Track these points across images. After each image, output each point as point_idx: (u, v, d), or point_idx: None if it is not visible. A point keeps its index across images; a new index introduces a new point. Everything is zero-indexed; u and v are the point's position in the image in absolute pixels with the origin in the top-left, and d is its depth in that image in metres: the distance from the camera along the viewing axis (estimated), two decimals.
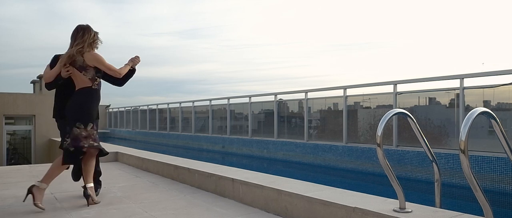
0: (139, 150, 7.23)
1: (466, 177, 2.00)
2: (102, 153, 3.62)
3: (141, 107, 28.17)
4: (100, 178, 4.05)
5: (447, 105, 9.97)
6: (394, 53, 53.89)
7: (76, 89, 3.51)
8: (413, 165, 9.37)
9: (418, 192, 8.26)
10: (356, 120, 12.08)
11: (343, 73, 54.98)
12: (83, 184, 3.57)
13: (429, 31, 48.54)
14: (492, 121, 2.21)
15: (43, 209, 3.29)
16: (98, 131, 3.67)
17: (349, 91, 12.00)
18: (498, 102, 9.08)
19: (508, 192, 7.53)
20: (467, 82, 8.86)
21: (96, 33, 3.64)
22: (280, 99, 15.32)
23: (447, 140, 9.59)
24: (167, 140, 23.02)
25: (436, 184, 2.75)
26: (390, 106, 10.50)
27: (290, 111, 15.28)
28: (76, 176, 3.99)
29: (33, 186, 3.36)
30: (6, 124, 13.49)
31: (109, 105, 33.52)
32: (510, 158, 2.35)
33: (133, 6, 70.23)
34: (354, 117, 12.11)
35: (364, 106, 12.40)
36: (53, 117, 3.73)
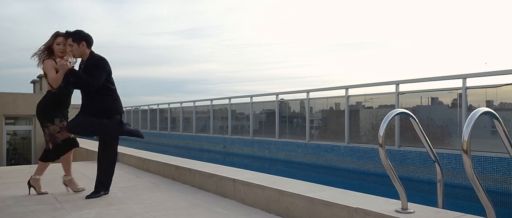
0: (140, 150, 7.22)
1: (468, 177, 1.99)
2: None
3: (141, 107, 28.18)
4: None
5: (450, 105, 9.94)
6: (396, 52, 53.85)
7: None
8: (416, 165, 9.34)
9: (420, 192, 8.23)
10: (358, 120, 12.05)
11: (345, 73, 54.95)
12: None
13: (431, 30, 48.49)
14: (495, 121, 2.20)
15: (47, 193, 3.88)
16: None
17: (351, 91, 11.97)
18: (501, 102, 9.05)
19: (511, 192, 7.50)
20: (470, 82, 8.82)
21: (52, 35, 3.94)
22: (282, 99, 15.30)
23: (449, 140, 9.56)
24: (168, 140, 23.01)
25: (438, 184, 2.73)
26: (392, 106, 10.47)
27: (291, 111, 15.26)
28: None
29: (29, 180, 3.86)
30: (6, 124, 13.49)
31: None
32: None
33: (134, 5, 70.34)
34: (356, 117, 12.09)
35: (366, 106, 12.37)
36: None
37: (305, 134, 13.27)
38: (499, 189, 7.70)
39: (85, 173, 5.14)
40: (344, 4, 58.77)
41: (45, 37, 3.90)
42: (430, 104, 10.79)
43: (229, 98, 18.25)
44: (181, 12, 67.54)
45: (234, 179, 3.70)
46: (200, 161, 5.27)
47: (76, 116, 3.82)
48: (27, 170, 5.81)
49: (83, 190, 4.01)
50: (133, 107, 29.72)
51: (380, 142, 2.34)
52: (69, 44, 3.76)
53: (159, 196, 3.96)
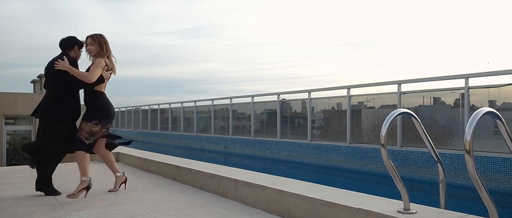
0: (141, 150, 7.20)
1: (471, 177, 1.98)
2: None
3: (142, 107, 28.20)
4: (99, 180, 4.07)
5: (452, 105, 9.92)
6: (399, 52, 53.74)
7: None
8: (418, 165, 9.31)
9: (422, 193, 8.20)
10: (360, 120, 12.03)
11: (347, 72, 54.85)
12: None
13: (433, 30, 48.40)
14: (498, 121, 2.18)
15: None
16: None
17: (353, 91, 11.95)
18: (503, 102, 9.02)
19: None
20: (472, 82, 8.80)
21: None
22: (283, 99, 15.29)
23: (452, 140, 9.53)
24: (168, 140, 23.02)
25: (440, 184, 2.72)
26: (394, 106, 10.45)
27: (293, 111, 15.25)
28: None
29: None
30: (6, 124, 13.46)
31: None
32: None
33: (134, 5, 70.38)
34: (358, 117, 12.07)
35: (368, 106, 12.35)
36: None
37: (307, 134, 13.25)
38: (501, 189, 7.67)
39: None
40: (346, 4, 58.74)
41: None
42: (432, 104, 10.77)
43: (230, 98, 18.25)
44: (182, 11, 67.61)
45: (235, 179, 3.68)
46: (201, 161, 5.26)
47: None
48: (27, 171, 5.78)
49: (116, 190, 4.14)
50: (134, 107, 29.75)
51: (382, 142, 2.33)
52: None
53: (159, 196, 3.94)
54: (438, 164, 2.69)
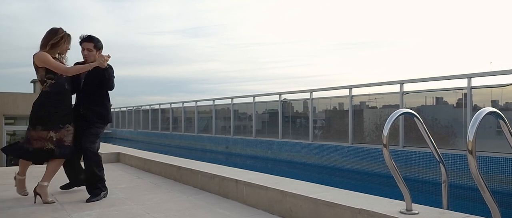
0: (141, 151, 7.20)
1: (473, 178, 1.98)
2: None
3: (143, 107, 28.21)
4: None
5: (455, 105, 9.88)
6: (401, 52, 53.70)
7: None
8: (420, 165, 9.28)
9: (425, 193, 8.18)
10: (362, 120, 12.00)
11: (349, 72, 54.79)
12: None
13: (436, 30, 48.29)
14: (500, 121, 2.17)
15: (54, 202, 3.57)
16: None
17: (355, 91, 11.93)
18: (506, 102, 8.98)
19: None
20: (475, 81, 8.77)
21: (66, 35, 3.72)
22: (285, 99, 15.27)
23: (454, 140, 9.50)
24: (169, 140, 23.03)
25: (443, 185, 2.71)
26: (397, 106, 10.41)
27: (294, 111, 15.23)
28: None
29: (36, 187, 3.58)
30: (6, 124, 13.44)
31: (111, 105, 33.67)
32: None
33: (135, 4, 70.46)
34: (360, 117, 12.04)
35: (370, 106, 12.32)
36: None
37: (308, 134, 13.23)
38: (504, 190, 7.63)
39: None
40: (347, 3, 58.66)
41: None
42: (434, 104, 10.73)
43: (232, 98, 18.24)
44: (182, 10, 67.66)
45: (236, 179, 3.67)
46: (202, 161, 5.24)
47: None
48: (28, 171, 5.79)
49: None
50: (134, 107, 29.77)
51: (384, 142, 2.33)
52: (88, 49, 3.80)
53: (160, 197, 3.93)
54: (441, 164, 2.68)
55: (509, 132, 2.20)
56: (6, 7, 57.92)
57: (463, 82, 9.00)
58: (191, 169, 4.50)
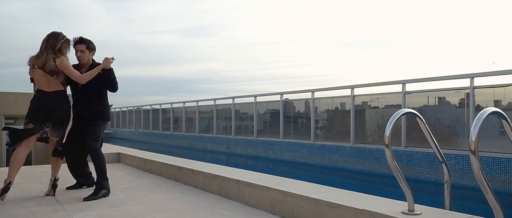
0: (142, 151, 7.19)
1: (476, 178, 1.97)
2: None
3: (143, 107, 28.23)
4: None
5: (457, 105, 9.85)
6: (403, 52, 53.58)
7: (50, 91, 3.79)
8: (422, 166, 9.25)
9: (427, 193, 8.15)
10: (363, 120, 11.97)
11: (351, 72, 54.71)
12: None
13: (438, 29, 48.16)
14: (503, 121, 2.16)
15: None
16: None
17: (357, 91, 11.90)
18: (509, 102, 8.95)
19: None
20: (478, 81, 8.74)
21: (66, 41, 3.84)
22: (286, 99, 15.25)
23: (457, 140, 9.47)
24: (170, 140, 23.03)
25: (445, 185, 2.69)
26: (399, 106, 10.39)
27: (296, 111, 15.21)
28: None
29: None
30: (6, 124, 13.45)
31: (111, 105, 33.73)
32: None
33: (135, 4, 70.53)
34: (361, 117, 12.01)
35: (372, 106, 12.29)
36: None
37: (310, 134, 13.21)
38: (507, 190, 7.60)
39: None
40: (349, 2, 58.59)
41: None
42: (437, 104, 10.70)
43: (233, 98, 18.23)
44: (183, 10, 67.69)
45: (238, 180, 3.65)
46: (203, 161, 5.23)
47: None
48: (27, 171, 5.80)
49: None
50: (135, 107, 29.79)
51: (386, 143, 2.31)
52: (81, 50, 3.93)
53: (161, 197, 3.92)
54: (443, 164, 2.66)
55: None
56: (6, 7, 58.12)
57: (465, 82, 8.97)
58: (192, 169, 4.49)
